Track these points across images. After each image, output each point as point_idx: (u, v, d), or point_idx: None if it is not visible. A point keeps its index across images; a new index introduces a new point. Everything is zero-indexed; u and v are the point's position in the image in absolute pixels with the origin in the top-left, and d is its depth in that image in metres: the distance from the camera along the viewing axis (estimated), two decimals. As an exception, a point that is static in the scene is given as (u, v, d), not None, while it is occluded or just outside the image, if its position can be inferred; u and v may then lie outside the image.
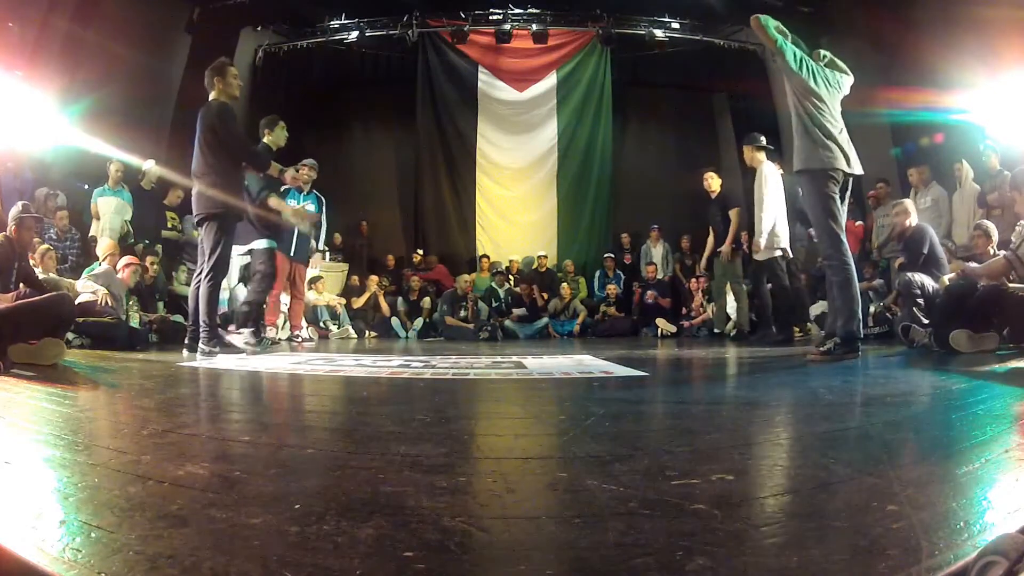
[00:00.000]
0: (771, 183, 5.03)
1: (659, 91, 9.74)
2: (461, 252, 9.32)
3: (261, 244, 4.77)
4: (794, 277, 5.45)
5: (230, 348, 3.98)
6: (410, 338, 7.34)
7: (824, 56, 3.72)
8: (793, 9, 7.64)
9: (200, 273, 3.96)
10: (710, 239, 6.26)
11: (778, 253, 5.12)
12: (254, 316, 4.64)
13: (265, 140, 4.70)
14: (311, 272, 6.58)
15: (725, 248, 5.52)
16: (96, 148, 5.92)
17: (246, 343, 4.21)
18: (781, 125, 7.92)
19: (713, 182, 6.06)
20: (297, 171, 4.53)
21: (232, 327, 4.61)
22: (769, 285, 5.45)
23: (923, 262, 4.38)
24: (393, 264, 8.81)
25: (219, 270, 3.94)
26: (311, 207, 5.72)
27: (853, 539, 0.74)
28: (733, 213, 5.79)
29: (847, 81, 3.68)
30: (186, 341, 4.05)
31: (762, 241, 5.01)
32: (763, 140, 5.28)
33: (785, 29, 3.65)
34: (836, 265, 3.39)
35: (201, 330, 3.88)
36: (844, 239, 3.38)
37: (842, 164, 3.36)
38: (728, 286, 6.23)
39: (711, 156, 8.48)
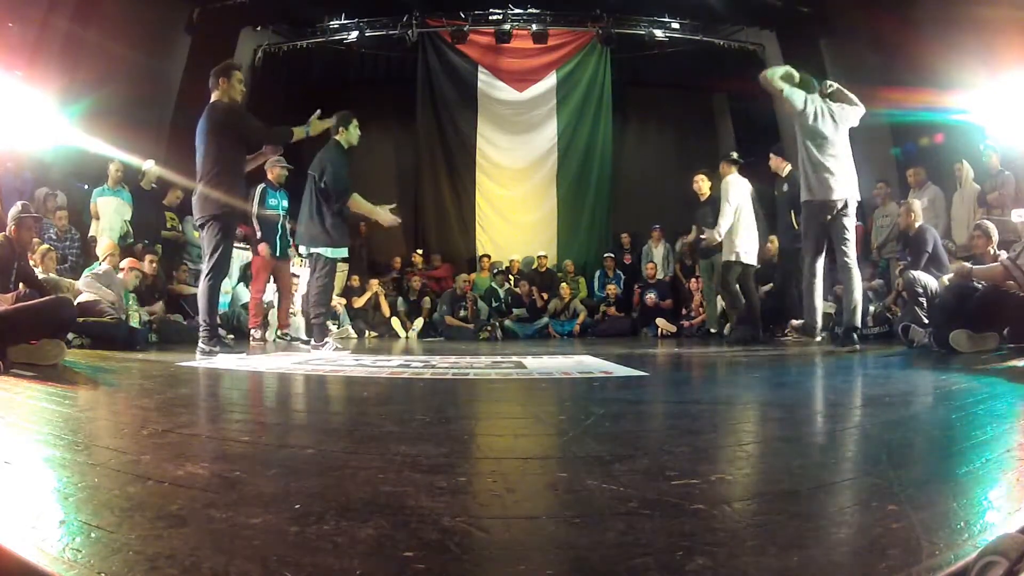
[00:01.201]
0: (733, 194, 5.40)
1: (659, 91, 9.73)
2: (461, 252, 9.31)
3: (327, 252, 4.51)
4: (794, 276, 5.49)
5: (229, 348, 3.99)
6: (410, 338, 7.34)
7: (831, 87, 4.17)
8: (793, 9, 7.64)
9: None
10: (692, 234, 6.35)
11: (734, 258, 5.43)
12: (324, 325, 4.68)
13: (337, 138, 4.53)
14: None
15: (710, 235, 5.67)
16: (96, 148, 5.91)
17: (335, 350, 4.42)
18: (781, 125, 7.94)
19: (704, 185, 6.14)
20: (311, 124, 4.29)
21: (313, 343, 4.60)
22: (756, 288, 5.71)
23: (925, 262, 4.44)
24: (400, 266, 8.76)
25: (219, 270, 3.94)
26: (285, 203, 5.71)
27: (853, 539, 0.74)
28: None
29: (855, 112, 4.10)
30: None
31: (717, 236, 5.40)
32: (734, 155, 5.76)
33: (793, 72, 4.19)
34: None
35: (201, 329, 3.88)
36: (813, 256, 4.14)
37: (836, 194, 3.97)
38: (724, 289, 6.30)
39: (711, 156, 8.48)
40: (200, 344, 3.85)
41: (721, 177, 5.69)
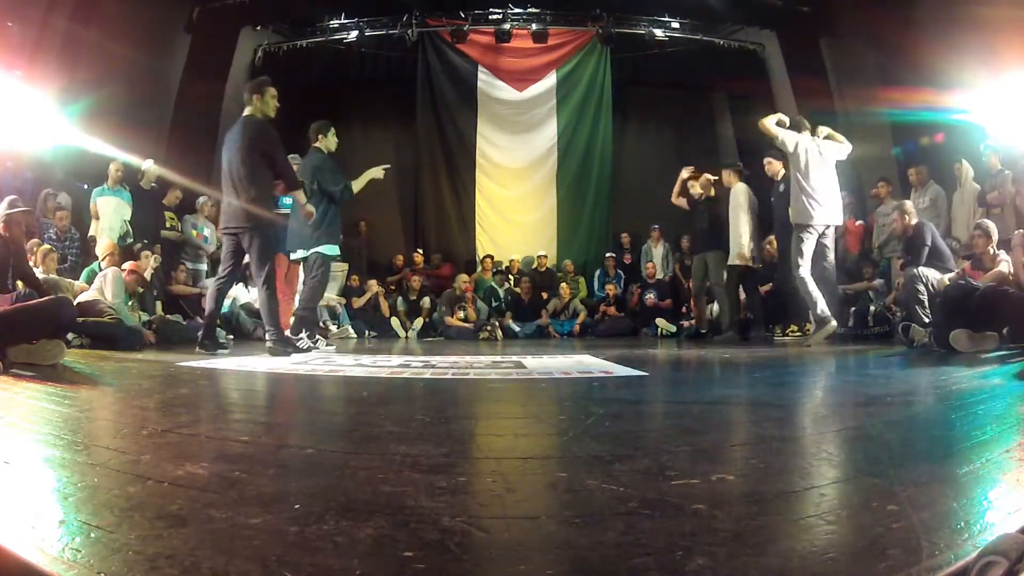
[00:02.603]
0: (744, 202, 5.69)
1: (659, 91, 9.71)
2: (461, 252, 9.30)
3: (322, 250, 4.65)
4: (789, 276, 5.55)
5: (297, 350, 4.06)
6: (410, 338, 7.33)
7: (824, 131, 5.02)
8: (793, 9, 7.64)
9: (221, 278, 4.16)
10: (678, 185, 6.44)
11: (740, 262, 5.69)
12: (310, 321, 4.73)
13: (317, 145, 4.71)
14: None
15: (743, 256, 5.86)
16: (96, 148, 5.91)
17: (307, 347, 4.41)
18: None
19: (695, 187, 6.22)
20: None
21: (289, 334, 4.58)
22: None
23: (927, 257, 4.44)
24: (402, 264, 8.75)
25: (272, 276, 4.03)
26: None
27: (853, 539, 0.74)
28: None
29: (844, 149, 4.98)
30: (200, 340, 4.08)
31: (745, 252, 5.67)
32: (740, 165, 6.12)
33: (784, 117, 5.05)
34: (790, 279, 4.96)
35: (268, 334, 3.99)
36: (799, 267, 4.77)
37: (820, 219, 4.77)
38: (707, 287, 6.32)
39: (711, 156, 8.48)
40: (270, 345, 3.94)
41: (725, 184, 5.86)
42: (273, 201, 4.12)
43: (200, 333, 4.14)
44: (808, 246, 4.80)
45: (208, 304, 4.20)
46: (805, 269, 4.79)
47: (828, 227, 4.88)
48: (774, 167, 5.76)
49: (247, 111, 4.06)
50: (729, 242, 5.88)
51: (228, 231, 4.08)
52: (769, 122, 4.94)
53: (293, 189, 4.29)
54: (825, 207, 4.80)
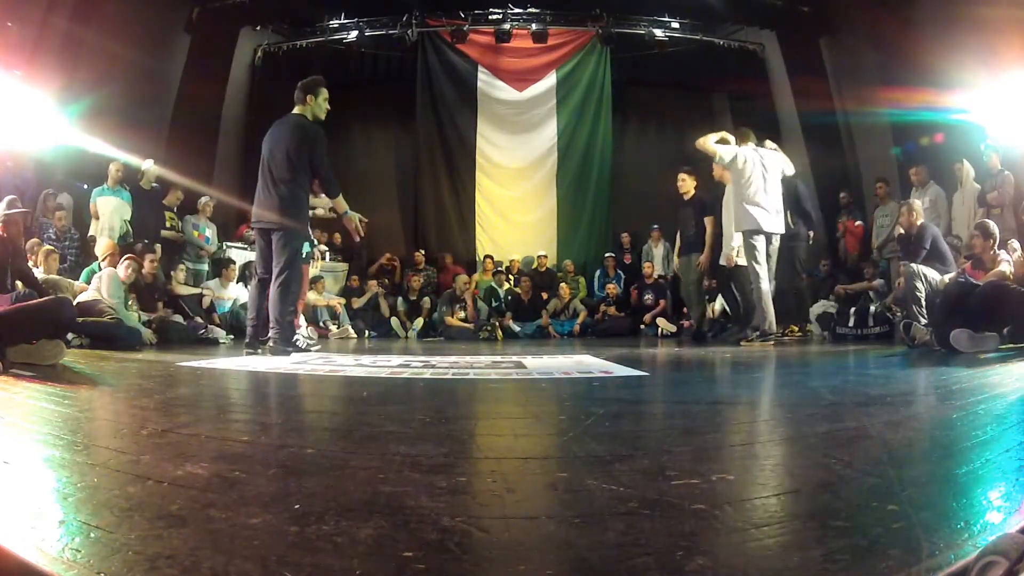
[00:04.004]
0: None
1: (659, 91, 9.71)
2: (461, 252, 9.30)
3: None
4: (797, 277, 5.51)
5: (297, 350, 3.98)
6: (410, 338, 7.33)
7: (772, 146, 5.21)
8: (793, 9, 7.65)
9: (262, 277, 4.01)
10: (678, 242, 6.22)
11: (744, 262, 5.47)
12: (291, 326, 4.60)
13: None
14: (311, 272, 6.53)
15: (704, 259, 5.75)
16: (96, 148, 5.91)
17: (306, 347, 4.29)
18: (781, 125, 7.94)
19: (686, 183, 5.98)
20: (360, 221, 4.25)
21: (272, 344, 4.54)
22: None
23: (928, 259, 4.46)
24: (388, 260, 8.74)
25: (290, 278, 3.91)
26: None
27: (853, 539, 0.74)
28: (709, 222, 5.76)
29: (788, 166, 5.15)
30: (247, 340, 4.05)
31: (733, 254, 5.46)
32: None
33: (727, 135, 5.18)
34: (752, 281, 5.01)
35: (272, 331, 3.88)
36: (761, 272, 4.85)
37: (765, 226, 4.86)
38: (691, 287, 6.18)
39: (710, 156, 8.46)
40: (271, 344, 3.84)
41: (717, 181, 5.63)
42: (304, 204, 4.00)
43: (248, 335, 4.05)
44: (760, 252, 4.87)
45: (250, 306, 4.11)
46: (765, 281, 4.87)
47: (772, 235, 4.97)
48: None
49: (296, 110, 3.98)
50: (707, 244, 5.79)
51: (259, 227, 4.00)
52: (708, 141, 5.02)
53: (334, 198, 4.19)
54: (768, 215, 4.90)
